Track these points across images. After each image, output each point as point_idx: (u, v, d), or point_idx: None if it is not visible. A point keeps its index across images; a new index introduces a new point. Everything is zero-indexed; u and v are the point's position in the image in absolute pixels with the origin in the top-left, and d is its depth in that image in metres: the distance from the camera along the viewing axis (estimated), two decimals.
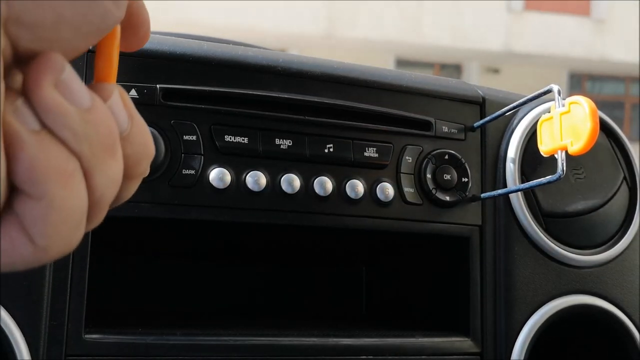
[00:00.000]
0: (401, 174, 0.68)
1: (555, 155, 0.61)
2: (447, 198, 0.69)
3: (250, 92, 0.64)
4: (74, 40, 0.23)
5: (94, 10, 0.23)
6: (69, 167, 0.23)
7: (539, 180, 0.63)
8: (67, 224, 0.23)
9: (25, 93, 0.22)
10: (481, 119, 0.73)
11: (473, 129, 0.72)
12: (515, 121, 0.74)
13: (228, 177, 0.62)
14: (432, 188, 0.69)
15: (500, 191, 0.69)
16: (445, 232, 0.70)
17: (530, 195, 0.73)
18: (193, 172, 0.61)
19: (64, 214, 0.23)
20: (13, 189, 0.22)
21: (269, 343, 0.63)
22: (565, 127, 0.60)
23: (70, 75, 0.23)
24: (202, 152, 0.61)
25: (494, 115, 0.71)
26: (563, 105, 0.61)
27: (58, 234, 0.23)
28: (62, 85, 0.23)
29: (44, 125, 0.22)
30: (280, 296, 0.92)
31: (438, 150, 0.70)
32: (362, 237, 0.80)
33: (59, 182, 0.22)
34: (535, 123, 0.72)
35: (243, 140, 0.63)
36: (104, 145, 0.24)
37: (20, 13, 0.22)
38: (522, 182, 0.72)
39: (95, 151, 0.23)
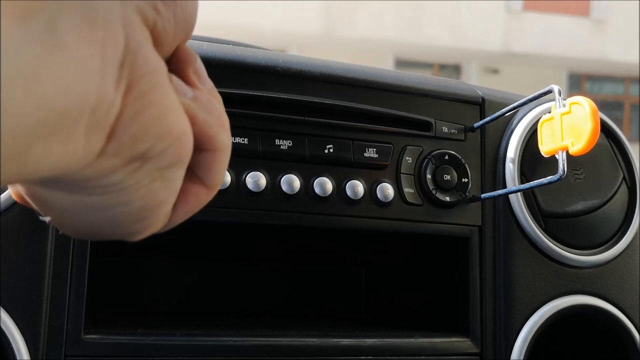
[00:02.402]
0: (401, 175, 0.68)
1: (556, 156, 0.61)
2: (447, 198, 0.69)
3: (250, 93, 0.63)
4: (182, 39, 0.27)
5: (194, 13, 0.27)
6: (225, 118, 0.27)
7: (539, 180, 0.63)
8: (227, 162, 0.28)
9: (178, 73, 0.26)
10: (481, 119, 0.73)
11: (473, 130, 0.72)
12: (515, 121, 0.74)
13: (228, 178, 0.62)
14: (432, 188, 0.69)
15: (500, 192, 0.69)
16: (445, 232, 0.70)
17: (529, 196, 0.73)
18: None
19: (226, 155, 0.27)
20: None
21: (268, 343, 0.63)
22: (566, 127, 0.60)
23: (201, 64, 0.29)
24: None
25: (493, 116, 0.71)
26: (564, 106, 0.61)
27: (223, 171, 0.28)
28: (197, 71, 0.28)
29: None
30: (280, 296, 0.92)
31: (438, 151, 0.70)
32: (362, 237, 0.80)
33: (223, 130, 0.27)
34: (535, 123, 0.72)
35: (243, 140, 0.63)
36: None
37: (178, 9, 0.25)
38: (522, 182, 0.72)
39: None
